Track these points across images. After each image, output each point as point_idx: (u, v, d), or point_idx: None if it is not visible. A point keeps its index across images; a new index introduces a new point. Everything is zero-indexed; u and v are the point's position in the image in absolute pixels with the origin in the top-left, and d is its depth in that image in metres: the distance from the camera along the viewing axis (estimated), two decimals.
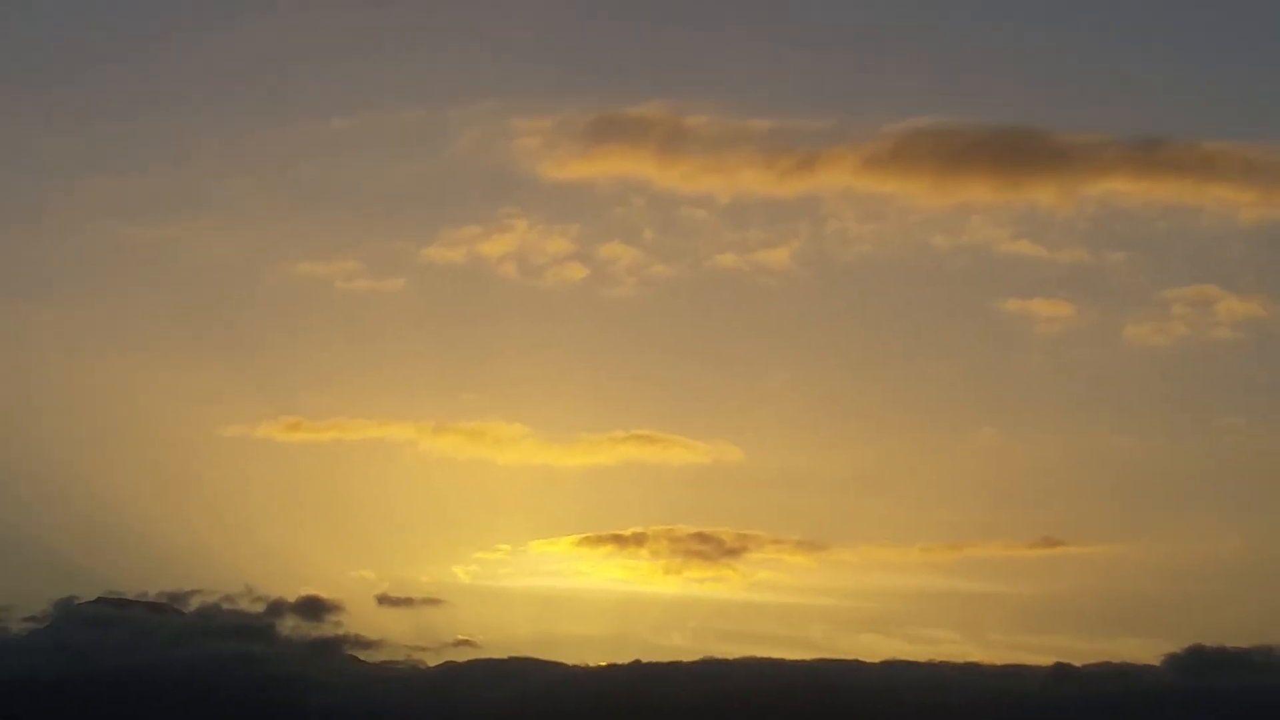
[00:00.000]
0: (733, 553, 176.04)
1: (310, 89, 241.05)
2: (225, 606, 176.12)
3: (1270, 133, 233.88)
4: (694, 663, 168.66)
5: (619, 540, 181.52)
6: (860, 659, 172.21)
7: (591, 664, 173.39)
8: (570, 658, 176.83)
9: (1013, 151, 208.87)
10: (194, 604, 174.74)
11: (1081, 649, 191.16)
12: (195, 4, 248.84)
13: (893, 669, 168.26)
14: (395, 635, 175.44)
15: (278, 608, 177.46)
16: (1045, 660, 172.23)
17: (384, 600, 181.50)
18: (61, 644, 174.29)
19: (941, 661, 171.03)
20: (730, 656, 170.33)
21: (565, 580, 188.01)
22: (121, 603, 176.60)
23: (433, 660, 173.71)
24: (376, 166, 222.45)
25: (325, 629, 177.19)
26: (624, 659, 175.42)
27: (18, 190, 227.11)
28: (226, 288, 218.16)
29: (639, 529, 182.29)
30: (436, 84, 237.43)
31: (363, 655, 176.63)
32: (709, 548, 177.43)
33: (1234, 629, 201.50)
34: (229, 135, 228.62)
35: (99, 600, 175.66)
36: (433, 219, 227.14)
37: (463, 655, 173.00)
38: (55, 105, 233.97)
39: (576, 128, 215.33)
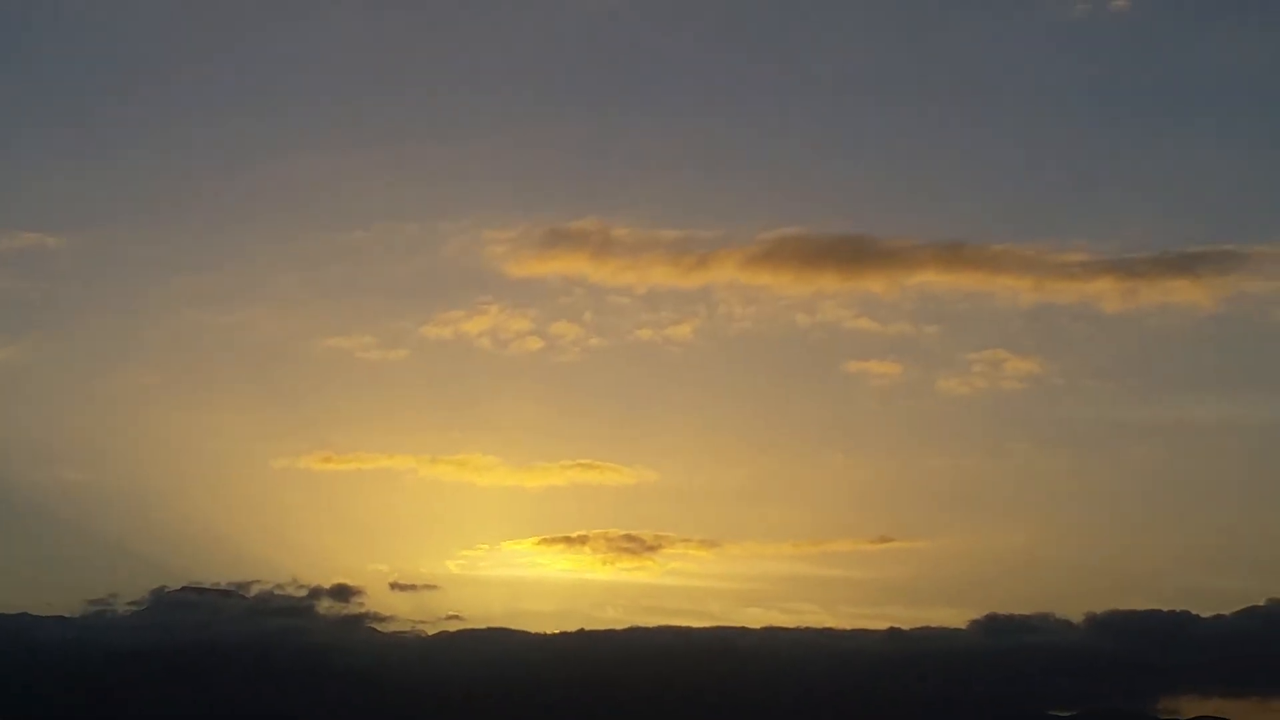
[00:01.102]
0: (652, 549, 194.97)
1: (338, 208, 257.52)
2: (277, 592, 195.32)
3: (1042, 236, 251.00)
4: (624, 630, 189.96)
5: (568, 540, 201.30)
6: (746, 626, 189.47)
7: (548, 631, 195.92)
8: (533, 627, 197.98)
9: (853, 252, 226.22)
10: (254, 591, 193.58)
11: (908, 616, 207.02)
12: (249, 144, 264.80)
13: (770, 633, 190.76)
14: (403, 612, 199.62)
15: (316, 593, 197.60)
16: (882, 625, 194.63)
17: (395, 586, 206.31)
18: (155, 622, 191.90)
19: (806, 627, 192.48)
20: (650, 625, 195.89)
21: (529, 570, 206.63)
22: (200, 590, 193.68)
23: (431, 630, 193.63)
24: (386, 266, 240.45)
25: (351, 608, 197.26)
26: (572, 628, 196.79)
27: (126, 284, 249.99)
28: (277, 357, 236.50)
29: (583, 532, 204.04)
30: (430, 204, 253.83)
31: (379, 627, 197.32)
32: (635, 545, 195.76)
33: (1019, 600, 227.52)
34: (279, 242, 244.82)
35: (183, 588, 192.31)
36: (428, 305, 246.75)
37: (453, 626, 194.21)
38: (153, 219, 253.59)
39: (534, 237, 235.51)
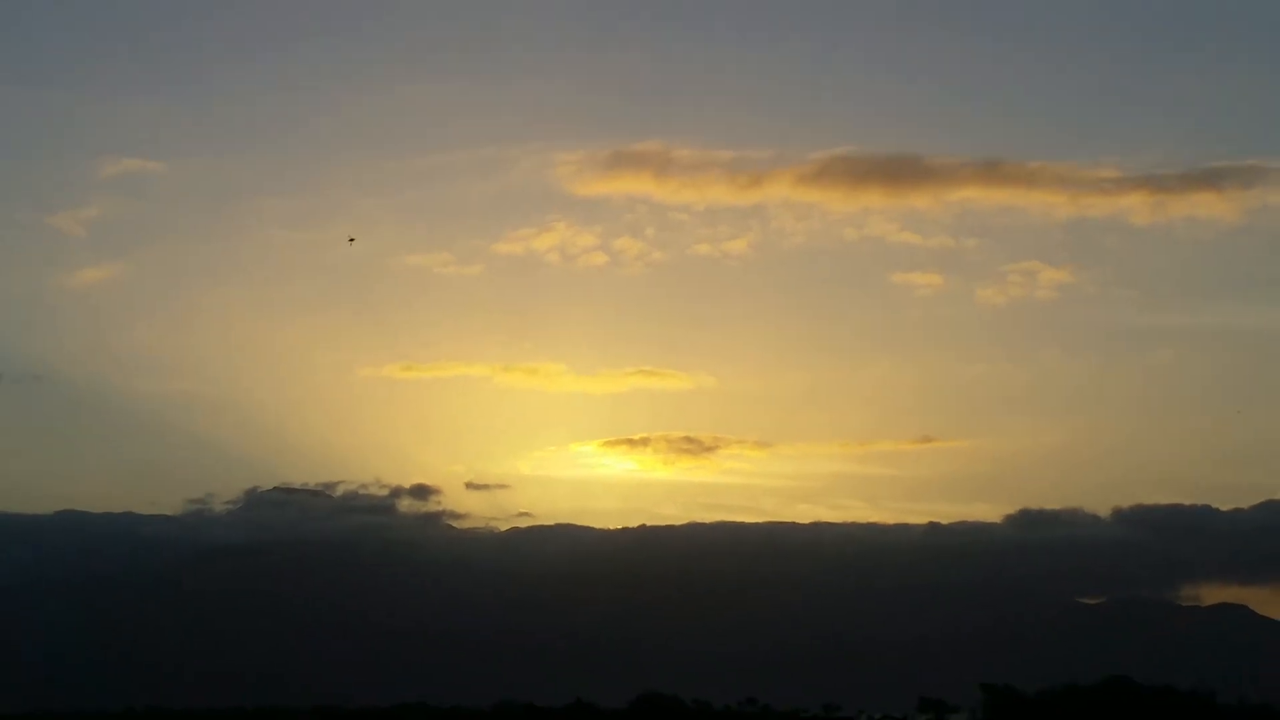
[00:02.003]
0: (709, 449, 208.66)
1: (416, 135, 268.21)
2: (361, 492, 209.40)
3: (1075, 154, 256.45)
4: (683, 525, 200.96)
5: (631, 442, 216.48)
6: (797, 521, 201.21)
7: (612, 527, 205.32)
8: (598, 523, 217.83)
9: (897, 170, 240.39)
10: (340, 491, 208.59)
11: (947, 511, 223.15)
12: (334, 76, 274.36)
13: (819, 527, 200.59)
14: (477, 510, 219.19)
15: (397, 492, 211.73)
16: (922, 520, 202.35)
17: (470, 485, 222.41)
18: (250, 519, 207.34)
19: (851, 522, 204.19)
20: (707, 521, 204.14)
21: (594, 470, 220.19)
22: (290, 490, 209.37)
23: (503, 527, 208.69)
24: (461, 187, 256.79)
25: (430, 506, 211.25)
26: (634, 524, 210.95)
27: (222, 206, 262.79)
28: (360, 274, 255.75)
29: (645, 434, 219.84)
30: (503, 130, 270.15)
31: (455, 524, 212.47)
32: (693, 446, 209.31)
33: (1050, 496, 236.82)
34: (359, 166, 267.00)
35: (275, 489, 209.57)
36: (500, 223, 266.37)
37: (524, 523, 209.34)
38: (247, 146, 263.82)
39: (598, 159, 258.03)
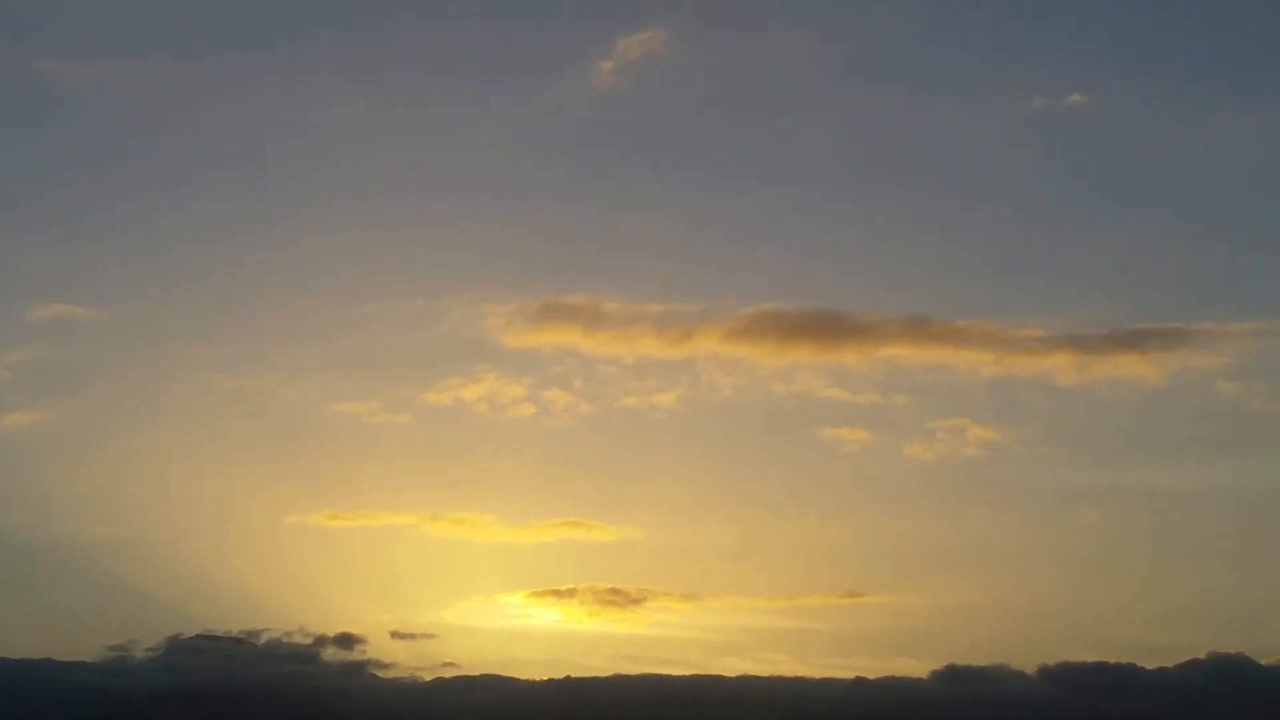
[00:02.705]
0: (636, 601, 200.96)
1: (348, 285, 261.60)
2: (285, 640, 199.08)
3: (1002, 314, 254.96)
4: (608, 677, 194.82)
5: (558, 593, 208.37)
6: (723, 674, 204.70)
7: (538, 678, 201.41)
8: (523, 674, 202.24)
9: (826, 326, 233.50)
10: (264, 639, 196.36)
11: (874, 667, 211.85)
12: (268, 225, 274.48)
13: (745, 681, 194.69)
14: (403, 659, 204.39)
15: (322, 640, 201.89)
16: (849, 675, 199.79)
17: (395, 635, 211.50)
18: (171, 667, 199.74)
19: (778, 676, 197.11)
20: (633, 673, 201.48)
21: (520, 621, 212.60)
22: (213, 638, 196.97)
23: (428, 676, 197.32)
24: (392, 337, 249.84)
25: (354, 655, 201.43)
26: (560, 675, 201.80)
27: (149, 352, 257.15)
28: (290, 422, 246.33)
29: (572, 585, 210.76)
30: (434, 280, 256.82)
31: (380, 673, 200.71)
32: (620, 598, 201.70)
33: (977, 652, 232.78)
34: (291, 313, 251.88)
35: (198, 636, 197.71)
36: (430, 373, 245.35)
37: (449, 673, 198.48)
38: (177, 293, 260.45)
39: (529, 311, 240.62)
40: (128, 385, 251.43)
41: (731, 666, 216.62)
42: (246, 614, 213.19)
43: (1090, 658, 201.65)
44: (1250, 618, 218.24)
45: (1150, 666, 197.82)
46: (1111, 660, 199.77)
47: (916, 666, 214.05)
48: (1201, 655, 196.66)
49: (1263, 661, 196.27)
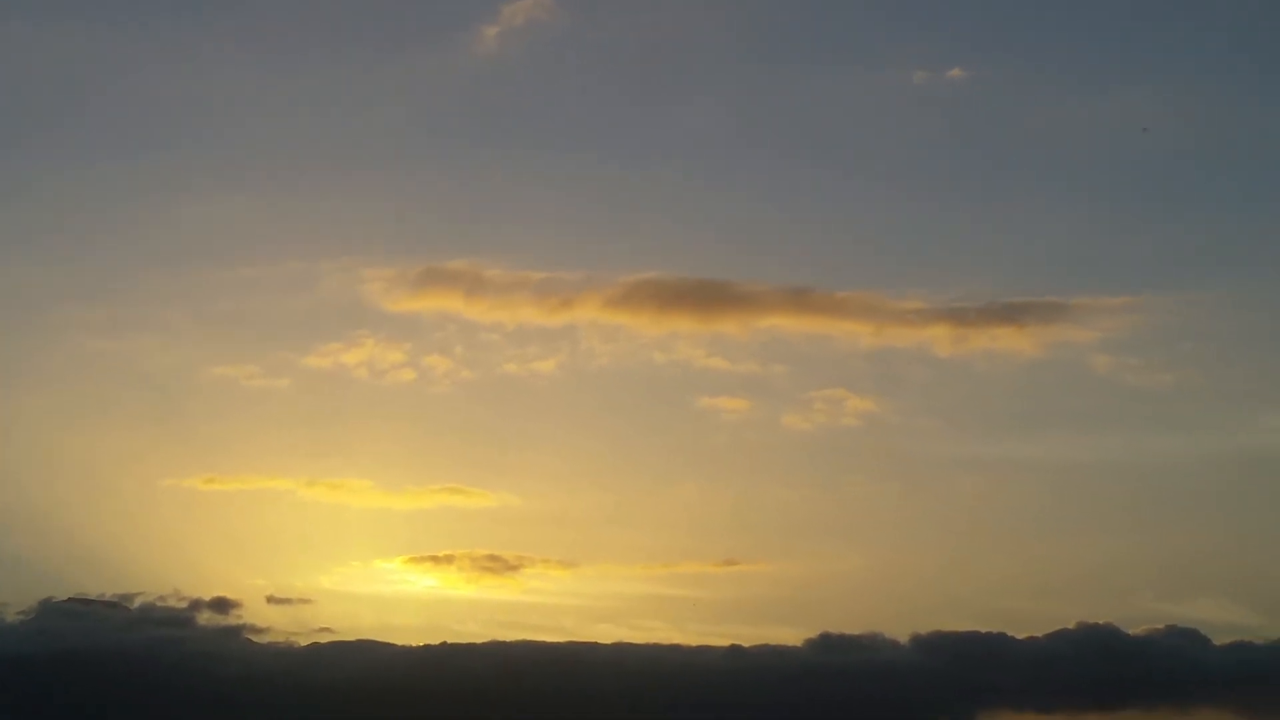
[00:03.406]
0: (513, 568, 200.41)
1: (226, 248, 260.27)
2: (159, 604, 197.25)
3: (882, 284, 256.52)
4: (484, 643, 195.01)
5: (435, 559, 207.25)
6: (598, 641, 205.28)
7: (414, 644, 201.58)
8: (399, 639, 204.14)
9: (706, 295, 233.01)
10: (137, 602, 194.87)
11: (749, 634, 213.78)
12: (143, 186, 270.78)
13: (620, 648, 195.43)
14: (278, 624, 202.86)
15: (197, 604, 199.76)
16: (724, 643, 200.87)
17: (271, 599, 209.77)
18: (43, 630, 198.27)
19: (654, 643, 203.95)
20: (509, 639, 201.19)
21: (397, 586, 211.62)
22: (86, 601, 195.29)
23: (303, 641, 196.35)
24: (271, 300, 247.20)
25: (229, 620, 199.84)
26: (436, 640, 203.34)
27: (22, 312, 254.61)
28: (166, 385, 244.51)
29: (449, 551, 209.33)
30: (313, 245, 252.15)
31: (255, 638, 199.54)
32: (497, 564, 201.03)
33: (851, 621, 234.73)
34: (166, 277, 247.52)
35: (70, 600, 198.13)
36: (309, 337, 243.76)
37: (325, 638, 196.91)
38: (50, 254, 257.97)
39: (409, 276, 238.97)
40: (1, 348, 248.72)
41: (607, 634, 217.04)
42: (120, 578, 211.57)
43: (962, 627, 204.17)
44: (1118, 589, 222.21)
45: (1020, 636, 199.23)
46: (983, 629, 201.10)
47: (791, 635, 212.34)
48: (1070, 625, 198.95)
49: (1130, 632, 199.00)
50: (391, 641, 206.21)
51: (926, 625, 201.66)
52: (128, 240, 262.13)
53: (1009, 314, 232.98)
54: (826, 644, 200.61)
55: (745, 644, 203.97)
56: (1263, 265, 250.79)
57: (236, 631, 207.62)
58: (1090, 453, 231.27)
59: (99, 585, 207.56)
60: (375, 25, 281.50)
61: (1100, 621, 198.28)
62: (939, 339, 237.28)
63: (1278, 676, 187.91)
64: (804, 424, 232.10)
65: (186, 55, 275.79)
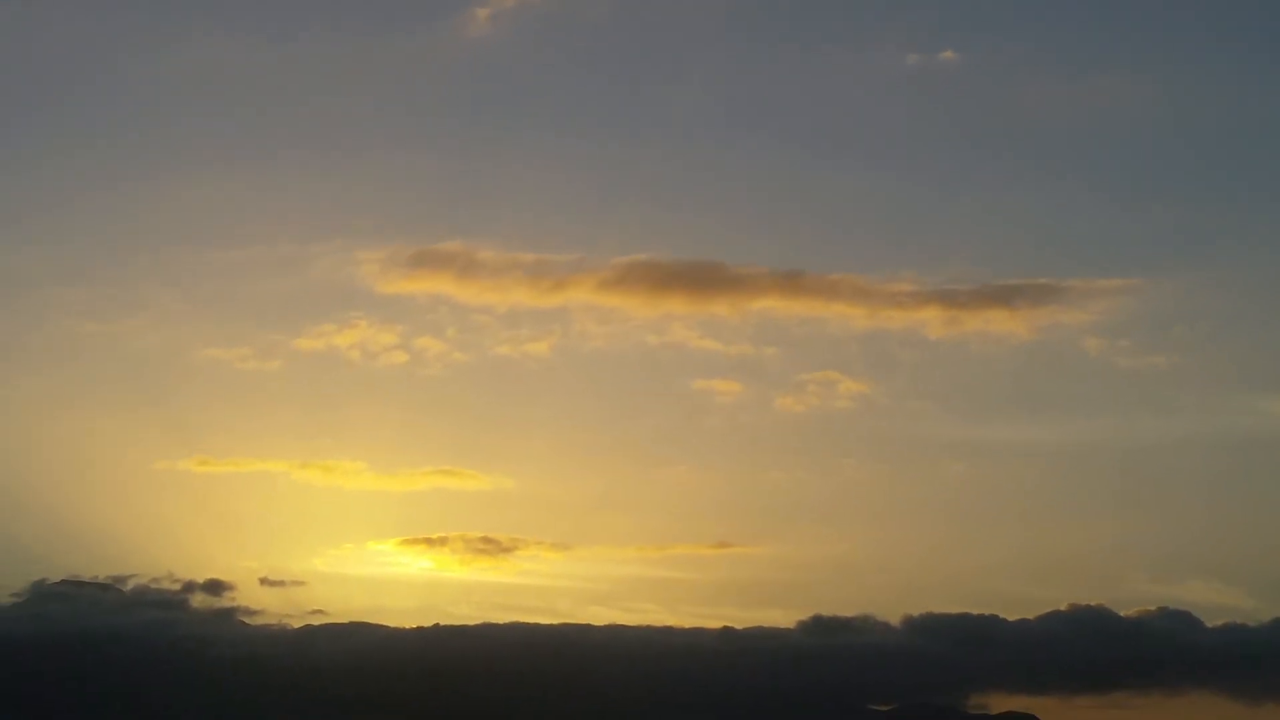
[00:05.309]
0: (506, 550, 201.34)
1: (217, 228, 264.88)
2: (153, 586, 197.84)
3: (873, 268, 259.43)
4: (477, 625, 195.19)
5: (429, 541, 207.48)
6: (592, 623, 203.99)
7: (407, 626, 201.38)
8: (392, 621, 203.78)
9: (700, 278, 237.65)
10: (130, 584, 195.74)
11: (741, 617, 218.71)
12: (135, 167, 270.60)
13: (614, 630, 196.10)
14: (272, 606, 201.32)
15: (190, 587, 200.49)
16: (716, 625, 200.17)
17: (264, 582, 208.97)
18: (36, 613, 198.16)
19: (647, 625, 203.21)
20: (502, 621, 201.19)
21: (391, 569, 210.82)
22: (79, 583, 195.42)
23: (297, 624, 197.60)
24: (264, 282, 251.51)
25: (223, 602, 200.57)
26: (429, 623, 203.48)
27: (15, 295, 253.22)
28: (159, 367, 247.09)
29: (443, 533, 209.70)
30: (305, 227, 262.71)
31: (249, 620, 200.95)
32: (490, 546, 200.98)
33: (843, 603, 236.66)
34: (158, 258, 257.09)
35: (63, 581, 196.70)
36: (301, 318, 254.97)
37: (318, 620, 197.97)
38: (44, 235, 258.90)
39: (402, 257, 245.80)
40: None
41: (600, 615, 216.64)
42: (114, 560, 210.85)
43: (954, 609, 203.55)
44: (1110, 570, 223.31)
45: (1012, 618, 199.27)
46: (975, 611, 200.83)
47: (783, 617, 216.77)
48: (1063, 607, 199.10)
49: (1122, 613, 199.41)
50: (385, 623, 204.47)
51: (918, 607, 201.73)
52: (119, 223, 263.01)
53: (1001, 296, 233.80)
54: (818, 626, 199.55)
55: (737, 626, 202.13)
56: (1254, 249, 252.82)
57: (230, 614, 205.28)
58: (1082, 435, 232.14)
59: (92, 567, 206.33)
60: (367, 8, 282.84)
61: (1092, 603, 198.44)
62: (931, 321, 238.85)
63: (1269, 658, 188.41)
64: (797, 406, 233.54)
65: (178, 38, 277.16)
